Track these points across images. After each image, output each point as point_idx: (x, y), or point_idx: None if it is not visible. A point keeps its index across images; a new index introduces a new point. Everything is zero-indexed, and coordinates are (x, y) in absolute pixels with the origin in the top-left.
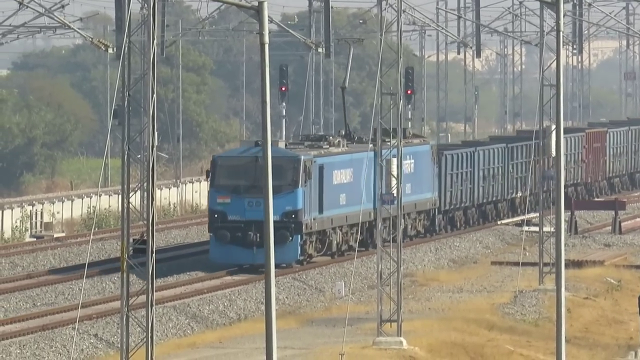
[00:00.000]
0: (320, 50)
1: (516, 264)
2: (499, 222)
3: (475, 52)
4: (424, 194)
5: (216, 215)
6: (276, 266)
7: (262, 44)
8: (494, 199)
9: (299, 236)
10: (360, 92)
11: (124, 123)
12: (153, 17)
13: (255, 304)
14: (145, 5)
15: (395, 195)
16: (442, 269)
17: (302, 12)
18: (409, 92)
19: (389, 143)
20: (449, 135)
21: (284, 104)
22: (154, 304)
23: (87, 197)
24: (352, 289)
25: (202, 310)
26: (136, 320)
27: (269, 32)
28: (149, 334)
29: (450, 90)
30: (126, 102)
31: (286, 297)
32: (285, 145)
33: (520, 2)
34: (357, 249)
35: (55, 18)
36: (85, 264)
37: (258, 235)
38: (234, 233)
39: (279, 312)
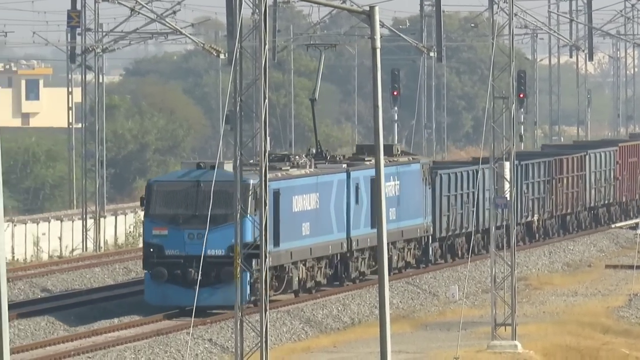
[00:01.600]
0: (432, 54)
1: (631, 267)
2: (612, 226)
3: (587, 55)
4: (412, 219)
5: (152, 250)
6: (221, 308)
7: (374, 49)
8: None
9: (248, 274)
10: (473, 95)
11: (236, 128)
12: (264, 23)
13: (369, 308)
14: (257, 10)
15: (507, 199)
16: (556, 272)
17: (414, 17)
18: (521, 95)
19: (367, 162)
20: (562, 138)
21: (395, 108)
22: (267, 308)
23: None
24: (466, 293)
25: (315, 314)
26: (250, 325)
27: (381, 37)
28: (263, 339)
29: (563, 94)
30: (238, 108)
31: (400, 302)
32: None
33: (633, 5)
34: (470, 253)
35: (167, 24)
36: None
37: (200, 272)
38: (172, 270)
39: (393, 316)
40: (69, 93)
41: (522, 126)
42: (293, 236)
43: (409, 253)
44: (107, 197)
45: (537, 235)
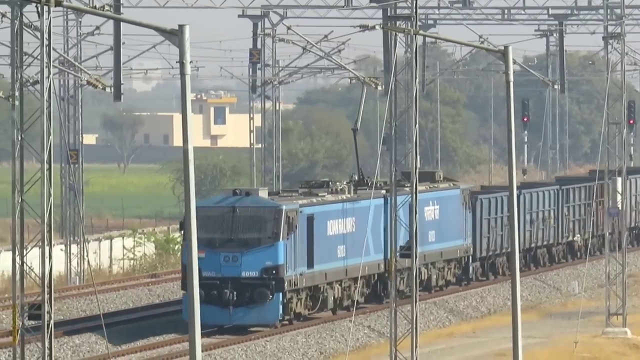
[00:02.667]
0: (556, 86)
1: None
2: None
3: None
4: (452, 241)
5: None
6: (256, 326)
7: (508, 82)
8: (545, 243)
9: (281, 294)
10: (590, 121)
11: (391, 148)
12: (415, 60)
13: (503, 300)
14: (409, 49)
15: (619, 209)
16: None
17: (541, 55)
18: (631, 122)
19: (406, 189)
20: None
21: (525, 132)
22: (417, 300)
23: None
24: (584, 287)
25: (458, 305)
26: (402, 314)
27: (513, 72)
28: (414, 326)
29: None
30: (393, 131)
31: (529, 295)
32: (269, 193)
33: None
34: (587, 254)
35: (333, 60)
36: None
37: (235, 293)
38: (208, 291)
39: (523, 307)
40: (251, 118)
41: (632, 147)
42: (327, 258)
43: (449, 272)
44: None
45: None
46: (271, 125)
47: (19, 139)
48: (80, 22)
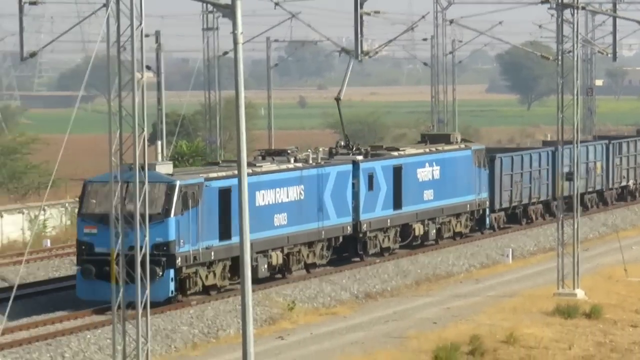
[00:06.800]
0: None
1: None
2: None
3: None
4: (459, 197)
5: (83, 247)
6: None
7: None
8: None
9: (172, 270)
10: None
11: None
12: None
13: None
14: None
15: None
16: None
17: None
18: None
19: (389, 153)
20: None
21: None
22: None
23: None
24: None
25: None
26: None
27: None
28: None
29: None
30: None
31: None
32: (173, 168)
33: None
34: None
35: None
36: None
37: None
38: (101, 267)
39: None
40: None
41: None
42: (255, 228)
43: (458, 224)
44: None
45: None
46: None
47: None
48: None
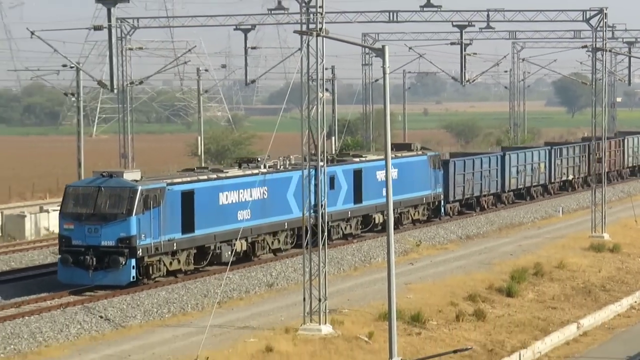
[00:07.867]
0: None
1: None
2: None
3: None
4: (415, 192)
5: (63, 240)
6: (112, 287)
7: None
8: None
9: (134, 260)
10: None
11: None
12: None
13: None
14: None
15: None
16: None
17: None
18: None
19: (348, 160)
20: None
21: None
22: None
23: None
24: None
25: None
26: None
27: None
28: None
29: None
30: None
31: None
32: (141, 177)
33: None
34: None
35: None
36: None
37: (94, 259)
38: (76, 257)
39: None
40: None
41: None
42: (218, 222)
43: (416, 213)
44: None
45: None
46: None
47: None
48: None
